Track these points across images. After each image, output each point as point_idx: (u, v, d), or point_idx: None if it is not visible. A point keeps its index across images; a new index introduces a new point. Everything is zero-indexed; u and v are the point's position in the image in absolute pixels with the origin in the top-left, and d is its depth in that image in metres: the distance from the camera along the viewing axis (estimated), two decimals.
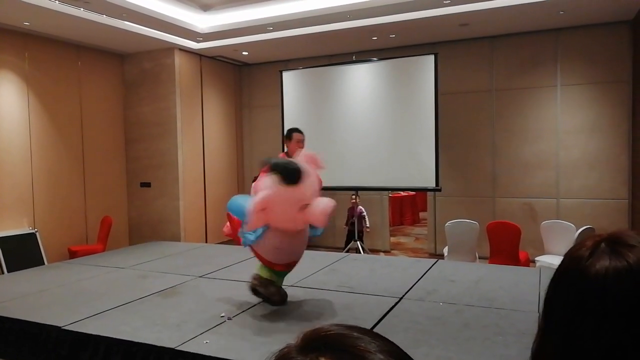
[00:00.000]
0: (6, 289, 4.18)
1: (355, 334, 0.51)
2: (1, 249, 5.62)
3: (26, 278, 4.66)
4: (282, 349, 0.51)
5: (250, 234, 3.21)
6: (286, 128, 7.58)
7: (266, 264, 3.35)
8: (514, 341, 2.72)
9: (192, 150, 7.75)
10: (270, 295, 3.39)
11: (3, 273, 5.45)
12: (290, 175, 3.03)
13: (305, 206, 3.04)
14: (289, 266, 3.44)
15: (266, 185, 3.06)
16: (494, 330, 2.92)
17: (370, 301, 3.59)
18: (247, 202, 3.07)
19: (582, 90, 6.63)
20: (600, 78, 6.51)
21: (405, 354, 0.51)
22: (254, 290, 3.43)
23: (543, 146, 6.82)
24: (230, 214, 3.48)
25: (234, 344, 2.79)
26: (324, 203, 3.08)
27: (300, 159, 3.26)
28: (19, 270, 5.27)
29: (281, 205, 3.04)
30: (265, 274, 3.39)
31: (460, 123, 7.21)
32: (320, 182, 3.27)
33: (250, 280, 3.45)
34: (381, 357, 0.48)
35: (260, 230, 3.19)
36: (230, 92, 8.71)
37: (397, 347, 0.51)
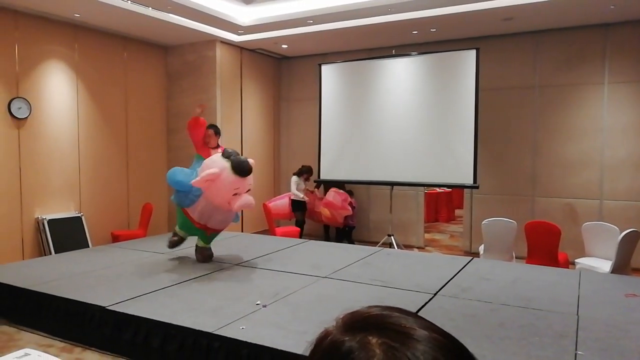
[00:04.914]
0: (54, 269, 4.40)
1: (395, 313, 0.53)
2: (49, 230, 5.89)
3: (72, 259, 4.90)
4: (321, 333, 0.52)
5: (185, 197, 4.30)
6: (324, 121, 7.64)
7: (190, 219, 4.43)
8: (550, 342, 2.68)
9: (231, 142, 7.87)
10: (172, 242, 4.72)
11: (51, 253, 5.72)
12: (242, 169, 4.05)
13: (236, 194, 4.05)
14: (206, 227, 4.49)
15: (220, 165, 4.02)
16: (530, 330, 2.88)
17: (404, 296, 3.60)
18: (187, 175, 4.25)
19: (631, 88, 6.36)
20: None
21: (445, 331, 0.52)
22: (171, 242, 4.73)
23: (587, 145, 6.59)
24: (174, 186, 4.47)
25: (269, 332, 2.86)
26: (249, 199, 4.16)
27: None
28: (65, 251, 5.53)
29: (223, 185, 4.01)
30: (180, 230, 4.68)
31: (501, 120, 7.05)
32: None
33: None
34: (425, 332, 0.49)
35: (194, 196, 4.23)
36: (269, 85, 8.80)
37: (436, 325, 0.52)
